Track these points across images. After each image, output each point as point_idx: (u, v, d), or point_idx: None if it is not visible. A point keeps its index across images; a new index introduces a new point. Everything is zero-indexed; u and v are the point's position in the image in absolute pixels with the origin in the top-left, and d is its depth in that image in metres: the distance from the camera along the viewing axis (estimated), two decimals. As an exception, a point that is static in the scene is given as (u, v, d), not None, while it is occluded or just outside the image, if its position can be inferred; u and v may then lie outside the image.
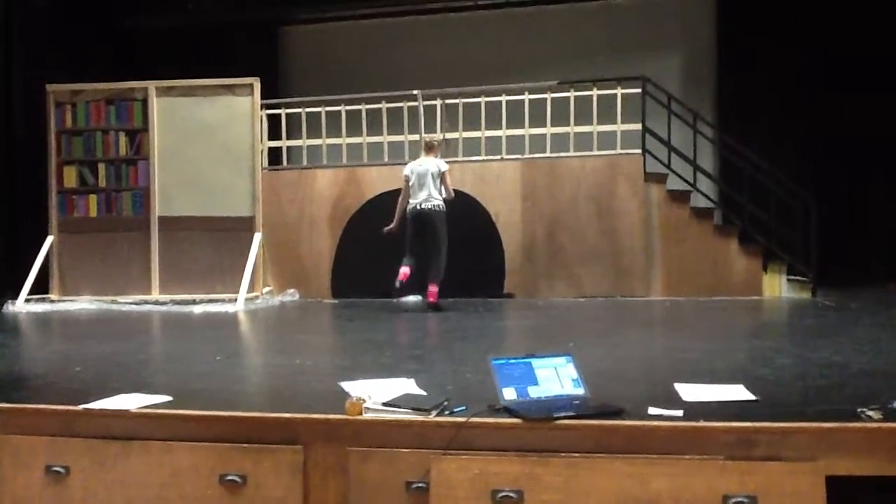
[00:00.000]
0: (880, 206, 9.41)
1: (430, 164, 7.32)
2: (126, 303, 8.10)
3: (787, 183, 8.00)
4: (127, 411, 3.04)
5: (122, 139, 8.48)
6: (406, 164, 7.62)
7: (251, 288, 8.09)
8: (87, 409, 3.08)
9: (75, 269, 8.45)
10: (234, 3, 10.43)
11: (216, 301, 7.93)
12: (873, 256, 9.29)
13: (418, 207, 7.25)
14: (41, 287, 8.27)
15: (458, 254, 7.86)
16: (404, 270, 7.22)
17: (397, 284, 7.19)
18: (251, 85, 8.39)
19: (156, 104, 8.42)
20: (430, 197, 7.24)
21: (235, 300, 7.79)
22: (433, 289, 7.21)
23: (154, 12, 10.42)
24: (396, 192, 7.55)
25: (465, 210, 8.20)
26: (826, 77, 9.22)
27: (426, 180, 7.26)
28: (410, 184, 7.32)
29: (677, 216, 8.35)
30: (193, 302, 8.00)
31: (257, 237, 8.27)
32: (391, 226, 7.48)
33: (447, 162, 7.49)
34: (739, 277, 8.19)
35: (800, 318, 6.53)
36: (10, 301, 7.86)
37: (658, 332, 6.15)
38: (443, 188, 7.30)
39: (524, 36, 10.28)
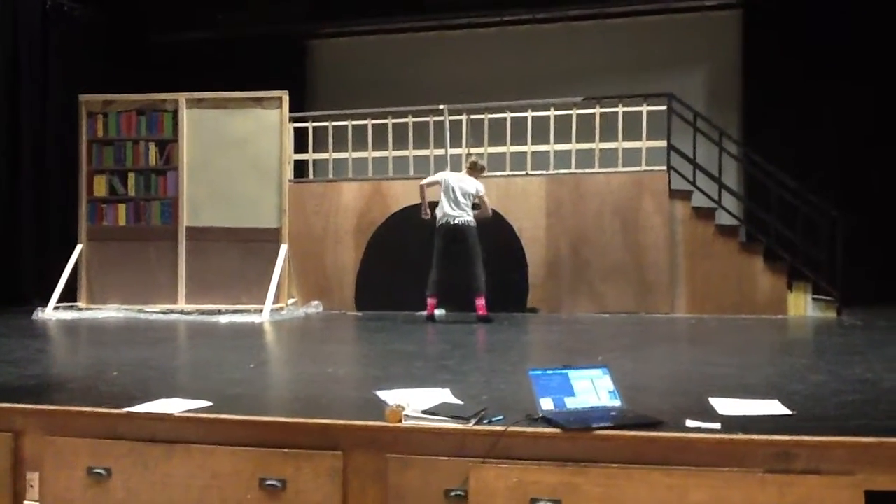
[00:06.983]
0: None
1: (469, 183, 7.42)
2: (152, 311, 8.18)
3: (812, 200, 7.99)
4: (170, 415, 3.09)
5: (152, 149, 8.57)
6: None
7: (276, 299, 8.14)
8: (130, 412, 3.14)
9: (103, 277, 8.53)
10: (262, 17, 10.56)
11: (242, 311, 7.99)
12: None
13: (451, 223, 7.33)
14: (69, 295, 8.35)
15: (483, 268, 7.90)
16: (432, 301, 7.44)
17: (427, 318, 7.42)
18: (280, 98, 8.47)
19: (186, 116, 8.52)
20: (463, 213, 7.33)
21: (261, 311, 7.84)
22: (481, 302, 7.34)
23: (185, 27, 10.62)
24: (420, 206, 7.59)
25: (489, 225, 8.23)
26: (852, 93, 9.19)
27: (461, 197, 7.35)
28: (441, 188, 7.42)
29: (702, 233, 8.34)
30: (219, 312, 8.06)
31: (283, 249, 8.33)
32: (424, 211, 7.51)
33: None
34: (764, 296, 8.16)
35: (828, 336, 6.51)
36: (39, 308, 7.95)
37: (686, 347, 6.14)
38: (480, 207, 7.45)
39: (550, 52, 10.32)
